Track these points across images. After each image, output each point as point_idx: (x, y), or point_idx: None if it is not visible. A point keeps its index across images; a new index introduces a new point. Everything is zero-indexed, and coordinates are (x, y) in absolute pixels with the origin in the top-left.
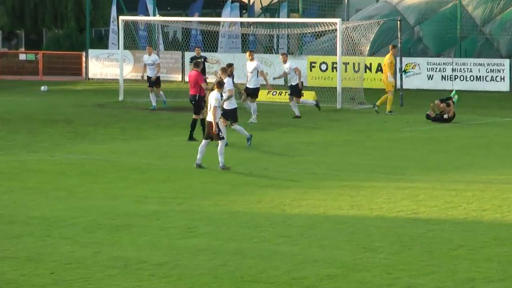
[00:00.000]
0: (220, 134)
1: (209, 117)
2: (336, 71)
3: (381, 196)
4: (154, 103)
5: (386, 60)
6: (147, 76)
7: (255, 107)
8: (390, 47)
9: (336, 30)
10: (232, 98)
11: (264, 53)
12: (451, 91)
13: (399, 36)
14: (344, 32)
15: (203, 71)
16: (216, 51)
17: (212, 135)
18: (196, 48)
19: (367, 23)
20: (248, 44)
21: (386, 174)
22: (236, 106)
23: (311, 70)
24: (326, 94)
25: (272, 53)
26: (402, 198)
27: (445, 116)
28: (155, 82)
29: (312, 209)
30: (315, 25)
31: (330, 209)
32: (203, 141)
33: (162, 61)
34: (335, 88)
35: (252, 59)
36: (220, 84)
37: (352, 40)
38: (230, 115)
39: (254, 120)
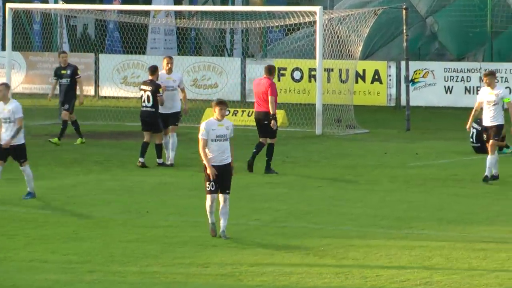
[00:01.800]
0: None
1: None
2: (315, 81)
3: (378, 259)
4: None
5: None
6: None
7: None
8: None
9: (315, 22)
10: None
11: (212, 55)
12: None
13: (404, 31)
14: (326, 25)
15: (72, 89)
16: (144, 53)
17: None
18: (62, 54)
19: (359, 12)
20: (189, 42)
21: (386, 228)
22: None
23: (279, 80)
24: (300, 113)
25: (224, 55)
26: (409, 262)
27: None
28: None
29: (280, 277)
30: (285, 16)
31: (305, 277)
32: (208, 197)
33: None
34: (314, 105)
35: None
36: (220, 104)
37: (338, 37)
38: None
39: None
